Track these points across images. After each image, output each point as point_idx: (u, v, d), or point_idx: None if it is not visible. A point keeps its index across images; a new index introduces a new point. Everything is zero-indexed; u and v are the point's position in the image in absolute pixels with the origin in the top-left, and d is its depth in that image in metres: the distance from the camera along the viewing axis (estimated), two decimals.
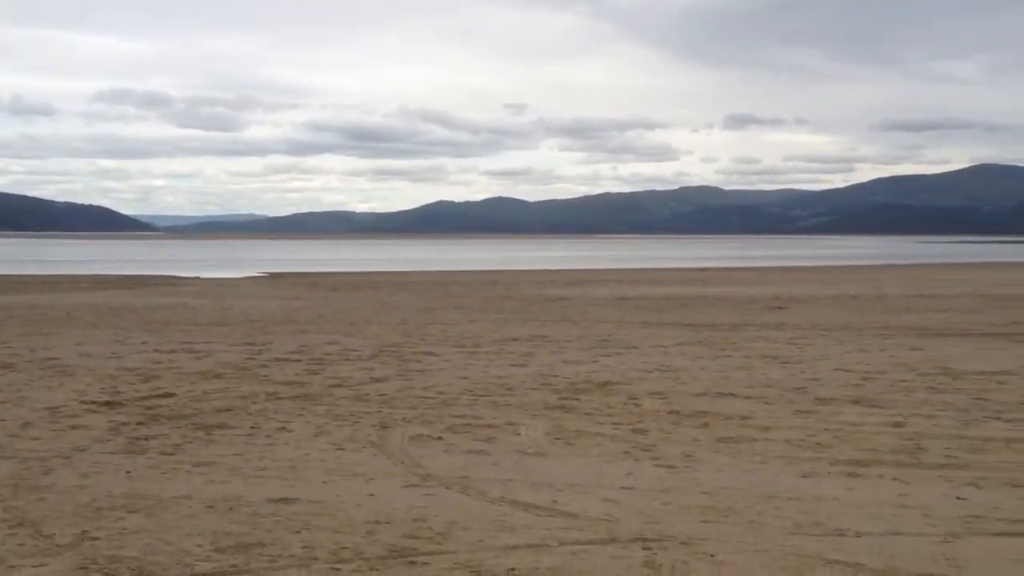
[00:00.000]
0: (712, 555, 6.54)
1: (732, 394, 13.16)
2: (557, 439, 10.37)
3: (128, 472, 8.96)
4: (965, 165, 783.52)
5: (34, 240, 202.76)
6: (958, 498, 7.93)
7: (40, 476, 8.79)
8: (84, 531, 7.13)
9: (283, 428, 10.98)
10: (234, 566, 6.39)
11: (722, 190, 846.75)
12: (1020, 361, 16.15)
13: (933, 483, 8.43)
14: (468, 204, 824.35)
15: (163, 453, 9.73)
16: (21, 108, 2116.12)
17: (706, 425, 11.03)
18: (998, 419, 11.24)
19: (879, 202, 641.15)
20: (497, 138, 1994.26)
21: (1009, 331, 21.08)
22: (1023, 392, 13.05)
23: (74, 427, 11.03)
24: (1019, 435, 10.34)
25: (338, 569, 6.33)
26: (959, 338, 19.88)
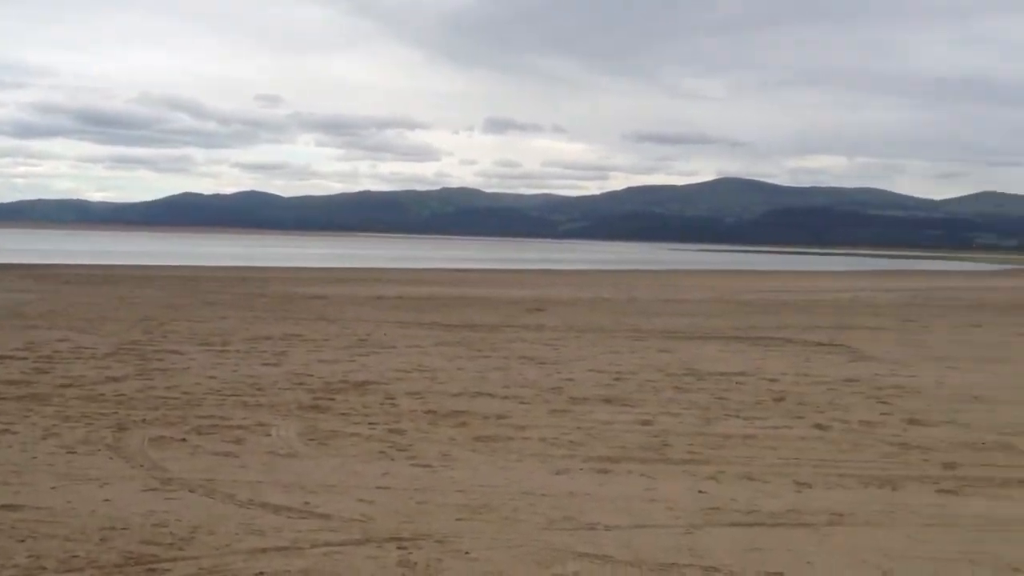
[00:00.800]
0: (467, 552, 6.69)
1: (489, 394, 13.47)
2: (311, 440, 10.26)
3: None
4: (711, 178, 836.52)
5: None
6: (699, 491, 8.50)
7: None
8: None
9: (6, 431, 10.29)
10: None
11: (483, 192, 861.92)
12: (757, 363, 17.45)
13: (677, 478, 8.99)
14: (218, 197, 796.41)
15: None
16: None
17: (463, 424, 11.24)
18: (737, 417, 12.12)
19: (632, 210, 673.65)
20: (249, 130, 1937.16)
21: (748, 335, 22.72)
22: (759, 392, 14.12)
23: None
24: (755, 432, 11.19)
25: None
26: (704, 341, 21.23)
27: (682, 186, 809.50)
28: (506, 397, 13.25)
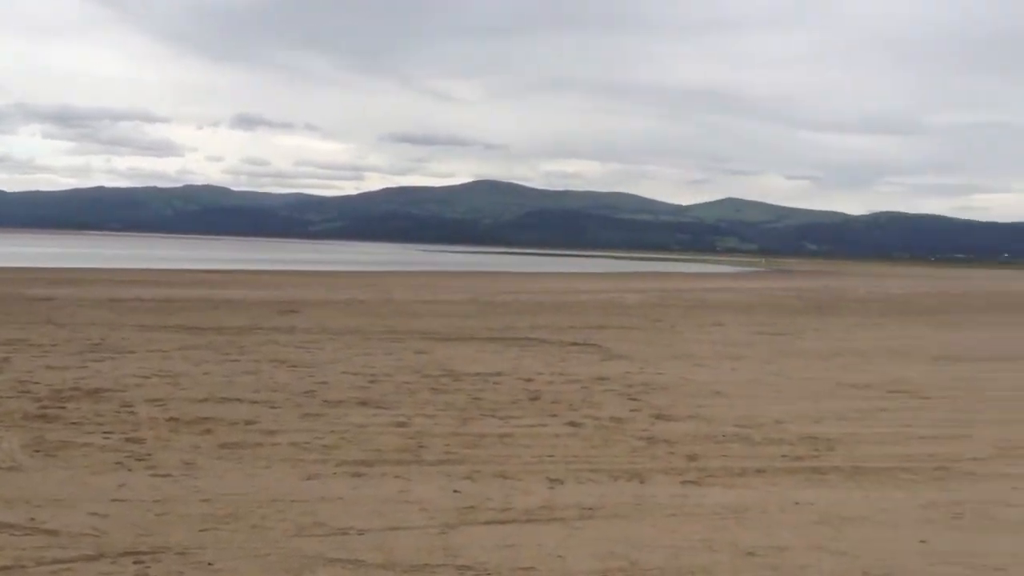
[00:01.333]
0: (210, 563, 6.50)
1: (238, 399, 13.10)
2: (37, 451, 9.63)
3: None
4: (467, 180, 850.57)
5: None
6: (454, 491, 8.63)
7: None
8: None
9: None
10: None
11: (231, 191, 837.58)
12: (512, 362, 17.91)
13: (433, 478, 9.08)
14: None
15: None
16: None
17: (208, 431, 10.88)
18: (492, 416, 12.38)
19: (388, 210, 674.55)
20: None
21: (505, 335, 23.25)
22: (515, 391, 14.49)
23: None
24: (510, 430, 11.47)
25: None
26: (460, 342, 21.54)
27: (439, 188, 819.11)
28: (255, 402, 12.94)
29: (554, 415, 12.61)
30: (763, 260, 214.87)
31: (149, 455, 9.66)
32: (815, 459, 10.46)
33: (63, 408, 11.96)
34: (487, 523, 7.71)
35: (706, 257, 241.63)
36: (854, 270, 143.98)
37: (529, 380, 15.71)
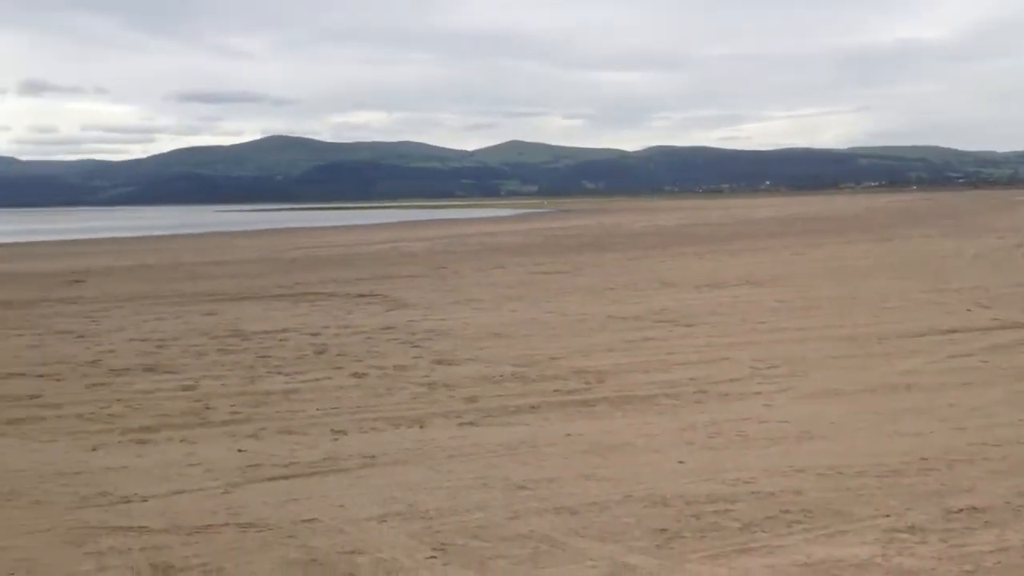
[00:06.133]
0: None
1: (21, 374, 12.44)
2: None
3: None
4: (257, 137, 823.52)
5: None
6: (239, 450, 8.53)
7: None
8: None
9: None
10: None
11: (19, 160, 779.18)
12: (300, 319, 17.69)
13: (218, 440, 8.95)
14: None
15: None
16: None
17: None
18: (279, 373, 12.24)
19: (179, 172, 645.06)
20: None
21: (293, 291, 22.91)
22: (301, 347, 14.35)
23: None
24: (295, 387, 11.38)
25: None
26: (250, 301, 21.09)
27: (229, 146, 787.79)
28: (40, 376, 12.31)
29: (339, 367, 12.58)
30: (545, 202, 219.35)
31: None
32: (586, 392, 10.73)
33: None
34: (271, 479, 7.68)
35: (490, 201, 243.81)
36: (630, 206, 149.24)
37: (316, 334, 15.58)
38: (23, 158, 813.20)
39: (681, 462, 7.90)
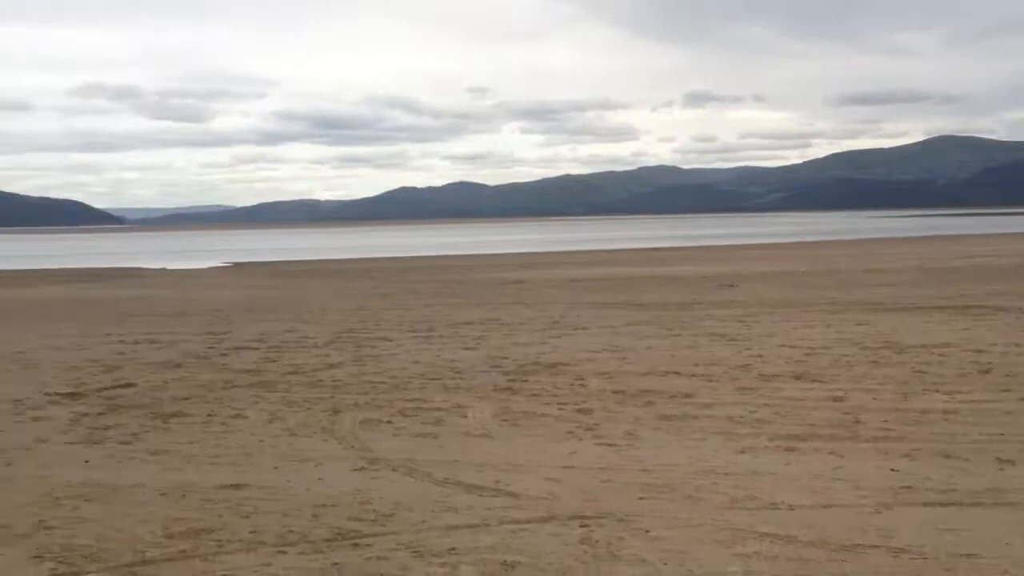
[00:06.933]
0: (647, 531, 6.65)
1: (677, 372, 13.30)
2: (503, 420, 10.46)
3: (86, 462, 9.03)
4: (920, 138, 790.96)
5: (7, 236, 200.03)
6: (892, 470, 8.10)
7: (1, 468, 8.83)
8: (40, 520, 7.18)
9: (238, 415, 11.00)
10: (183, 551, 6.44)
11: (680, 169, 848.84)
12: (962, 333, 16.43)
13: (868, 456, 8.60)
14: (430, 189, 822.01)
15: (120, 442, 9.79)
16: None
17: (649, 404, 11.16)
18: (937, 391, 11.44)
19: (835, 177, 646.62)
20: (459, 122, 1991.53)
21: (954, 304, 21.46)
22: (962, 364, 13.30)
23: (37, 419, 11.09)
24: (956, 407, 10.54)
25: (284, 552, 6.38)
26: (905, 312, 20.21)
27: (889, 148, 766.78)
28: (694, 376, 13.05)
29: (1007, 390, 11.38)
30: None
31: (596, 425, 10.11)
32: None
33: (526, 381, 12.88)
34: (926, 504, 7.15)
35: None
36: None
37: (980, 352, 14.32)
38: (684, 167, 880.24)
39: None
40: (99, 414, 11.26)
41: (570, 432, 9.82)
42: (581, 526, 6.78)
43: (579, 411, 10.84)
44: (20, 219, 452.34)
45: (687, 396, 11.59)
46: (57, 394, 12.63)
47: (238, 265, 54.54)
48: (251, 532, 6.81)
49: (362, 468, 8.57)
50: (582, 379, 12.92)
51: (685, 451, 8.93)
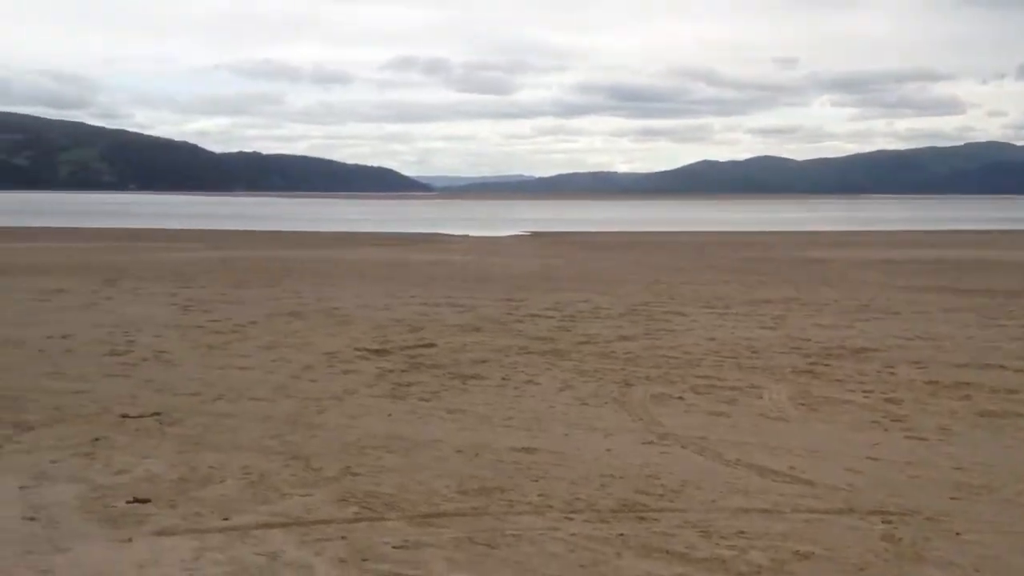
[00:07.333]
0: (958, 533, 6.14)
1: (1001, 366, 12.20)
2: (801, 404, 10.04)
3: (389, 415, 9.55)
4: None
5: (328, 200, 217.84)
6: None
7: (314, 415, 9.53)
8: (347, 467, 7.66)
9: (531, 381, 11.28)
10: (475, 508, 6.67)
11: (1013, 146, 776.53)
12: None
13: None
14: (732, 164, 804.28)
15: (421, 399, 10.28)
16: (321, 77, 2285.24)
17: (967, 397, 10.31)
18: None
19: None
20: (764, 95, 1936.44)
21: None
22: None
23: (347, 371, 11.86)
24: None
25: (571, 518, 6.46)
26: None
27: None
28: (1020, 370, 11.90)
29: None
30: None
31: (906, 416, 9.47)
32: None
33: (828, 365, 12.29)
34: None
35: None
36: None
37: None
38: (1018, 143, 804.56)
39: None
40: (402, 371, 11.91)
41: (875, 422, 9.26)
42: (884, 522, 6.36)
43: (887, 400, 10.19)
44: (340, 185, 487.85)
45: (1011, 392, 10.59)
46: (366, 350, 13.50)
47: (536, 234, 56.14)
48: (540, 496, 6.95)
49: (651, 442, 8.53)
50: (891, 367, 12.14)
51: (1005, 451, 8.17)
